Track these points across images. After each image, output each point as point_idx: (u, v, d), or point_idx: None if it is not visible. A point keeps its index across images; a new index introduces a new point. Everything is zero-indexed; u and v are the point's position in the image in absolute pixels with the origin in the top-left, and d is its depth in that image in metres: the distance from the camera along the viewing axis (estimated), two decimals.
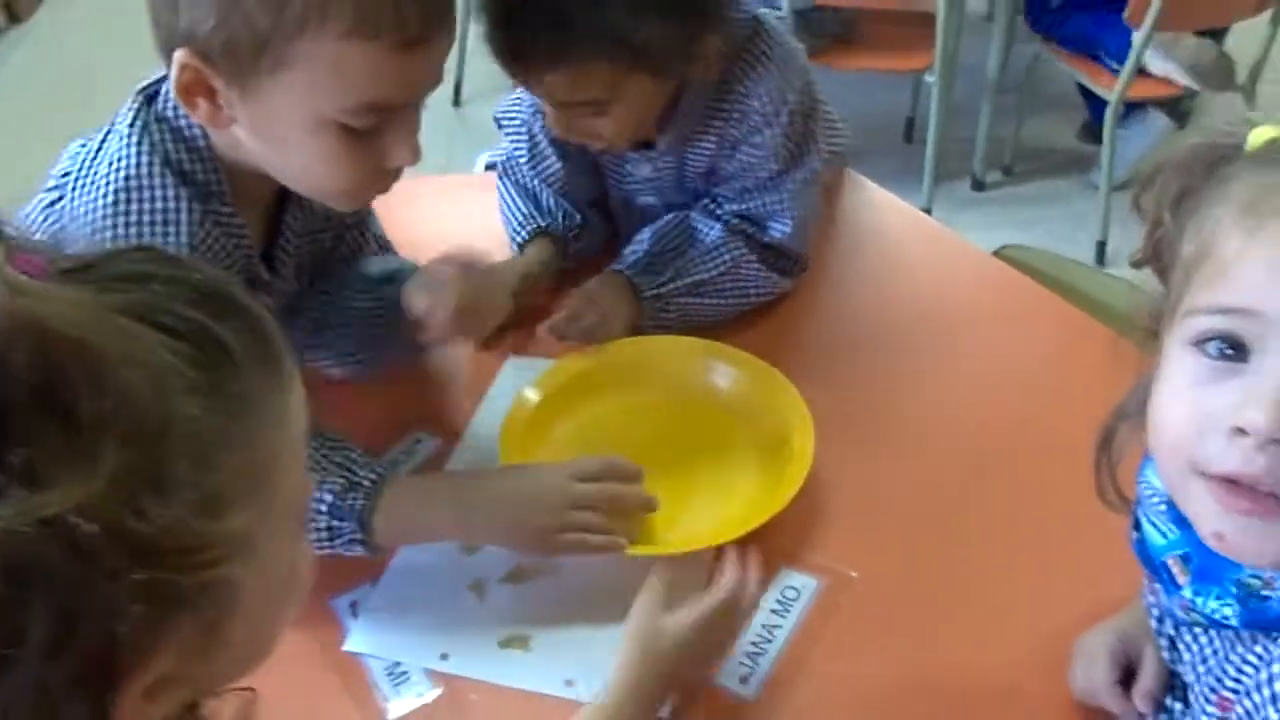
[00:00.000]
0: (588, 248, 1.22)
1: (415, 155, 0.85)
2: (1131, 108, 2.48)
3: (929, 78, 2.47)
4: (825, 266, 1.25)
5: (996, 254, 1.30)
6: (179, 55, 0.77)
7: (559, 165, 1.19)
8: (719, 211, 1.16)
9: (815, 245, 1.24)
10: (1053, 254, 1.32)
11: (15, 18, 3.52)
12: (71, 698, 0.40)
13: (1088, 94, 2.57)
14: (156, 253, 0.50)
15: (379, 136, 0.82)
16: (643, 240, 1.14)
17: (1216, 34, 2.50)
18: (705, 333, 1.12)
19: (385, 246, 1.10)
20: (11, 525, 0.38)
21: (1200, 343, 0.57)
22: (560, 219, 1.20)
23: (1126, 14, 2.22)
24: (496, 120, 1.23)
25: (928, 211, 2.61)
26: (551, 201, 1.21)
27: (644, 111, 1.07)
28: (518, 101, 1.19)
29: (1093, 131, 2.65)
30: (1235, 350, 0.56)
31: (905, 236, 1.34)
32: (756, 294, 1.16)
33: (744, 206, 1.15)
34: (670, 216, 1.16)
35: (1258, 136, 0.60)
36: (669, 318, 1.12)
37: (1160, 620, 0.73)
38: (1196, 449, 0.57)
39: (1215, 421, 0.56)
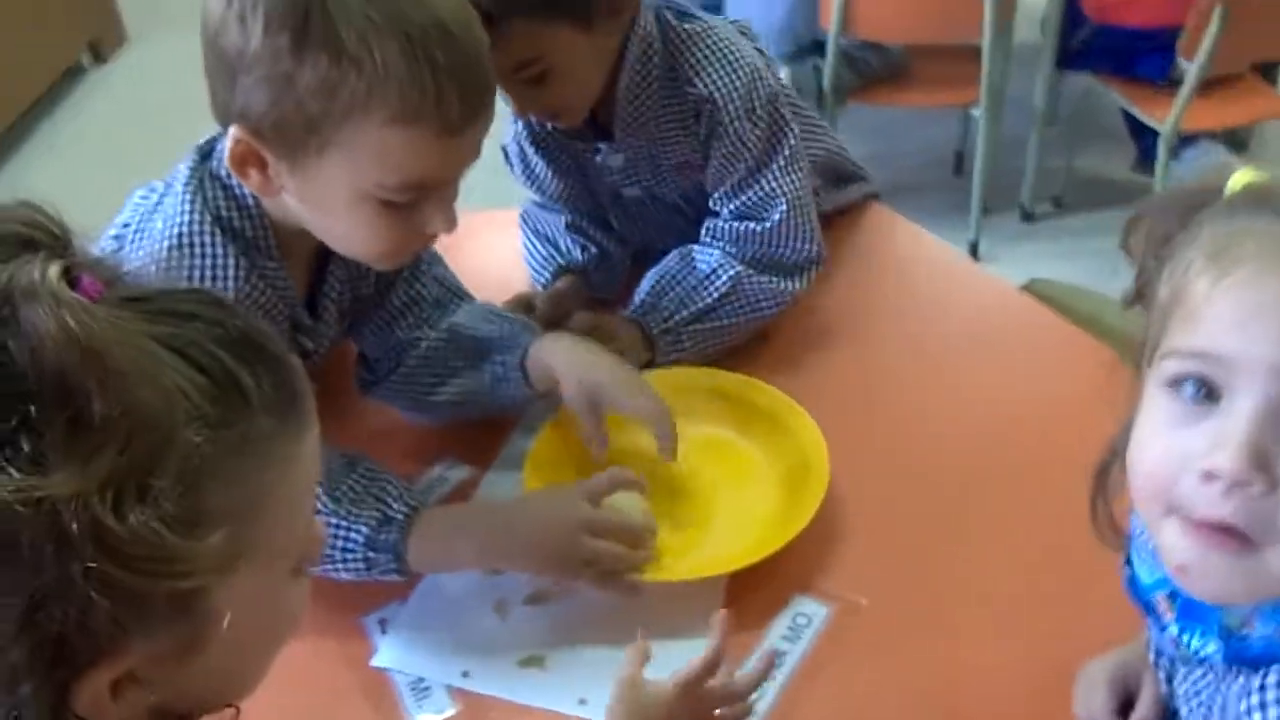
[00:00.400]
0: (607, 280, 1.27)
1: (451, 225, 0.90)
2: (1187, 139, 2.46)
3: (975, 112, 2.48)
4: (848, 297, 1.28)
5: (1025, 288, 1.32)
6: (233, 130, 0.83)
7: (548, 169, 1.24)
8: (717, 224, 1.18)
9: (838, 276, 1.27)
10: (1082, 289, 1.33)
11: (100, 57, 3.69)
12: (32, 669, 0.45)
13: (1135, 129, 2.56)
14: (208, 296, 0.54)
15: (418, 208, 0.87)
16: (646, 282, 1.18)
17: (1267, 68, 2.48)
18: (727, 360, 1.15)
19: (456, 292, 1.13)
20: (7, 500, 0.42)
21: (1174, 384, 0.58)
22: (578, 253, 1.26)
23: (1179, 45, 2.22)
24: (503, 150, 1.28)
25: (975, 244, 2.63)
26: (568, 241, 1.27)
27: (582, 72, 1.09)
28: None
29: (1146, 165, 2.64)
30: (1208, 393, 0.57)
31: (932, 270, 1.36)
32: (769, 306, 1.18)
33: (738, 203, 1.17)
34: (672, 254, 1.19)
35: (1235, 181, 0.61)
36: (685, 347, 1.15)
37: (1158, 654, 0.75)
38: (1172, 490, 0.58)
39: (1188, 463, 0.57)
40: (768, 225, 1.17)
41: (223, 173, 0.89)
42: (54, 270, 0.46)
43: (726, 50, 1.13)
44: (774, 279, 1.18)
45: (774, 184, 1.16)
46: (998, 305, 1.30)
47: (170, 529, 0.45)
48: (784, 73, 2.38)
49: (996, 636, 0.90)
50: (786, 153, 1.16)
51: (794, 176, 1.17)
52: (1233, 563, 0.56)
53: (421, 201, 0.87)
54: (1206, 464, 0.55)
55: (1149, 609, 0.69)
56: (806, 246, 1.19)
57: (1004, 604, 0.93)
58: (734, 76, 1.13)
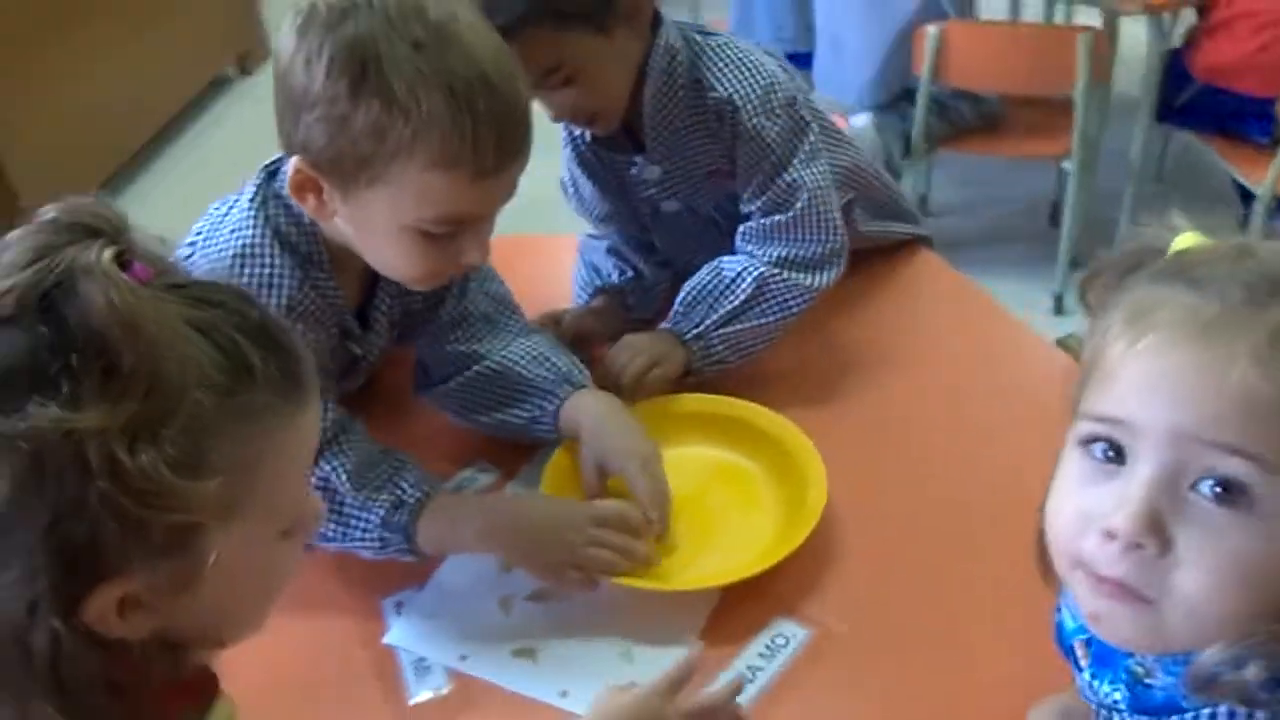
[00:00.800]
0: (642, 302, 1.35)
1: (484, 256, 0.99)
2: None
3: (1066, 164, 2.47)
4: (880, 335, 1.33)
5: (1059, 342, 1.34)
6: (294, 160, 0.93)
7: (594, 190, 1.33)
8: (748, 225, 1.25)
9: (875, 313, 1.33)
10: None
11: (246, 70, 3.96)
12: (51, 571, 0.54)
13: (1242, 190, 2.51)
14: (237, 291, 0.64)
15: (454, 239, 0.96)
16: (680, 294, 1.26)
17: None
18: (749, 387, 1.21)
19: (507, 307, 1.22)
20: (47, 429, 0.52)
21: (1087, 444, 0.61)
22: (616, 276, 1.35)
23: (1278, 107, 2.18)
24: (561, 183, 1.38)
25: (1059, 296, 2.61)
26: (609, 265, 1.36)
27: (607, 75, 1.17)
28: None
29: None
30: (1116, 454, 0.59)
31: (970, 318, 1.39)
32: (796, 304, 1.24)
33: (764, 199, 1.24)
34: (703, 269, 1.26)
35: (1175, 245, 0.63)
36: (720, 351, 1.22)
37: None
38: (1078, 545, 0.61)
39: (1093, 521, 0.59)
40: (791, 215, 1.23)
41: (285, 193, 0.99)
42: (108, 254, 0.56)
43: (744, 58, 1.21)
44: (799, 275, 1.23)
45: (795, 176, 1.22)
46: (1029, 358, 1.32)
47: (172, 470, 0.55)
48: (866, 118, 2.42)
49: (965, 676, 0.93)
50: (807, 148, 1.23)
51: (815, 169, 1.23)
52: (1135, 616, 0.59)
53: (458, 233, 0.96)
54: (1106, 524, 0.58)
55: (1069, 654, 0.72)
56: (830, 238, 1.25)
57: (978, 649, 0.95)
58: (751, 79, 1.20)
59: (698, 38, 1.22)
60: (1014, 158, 2.69)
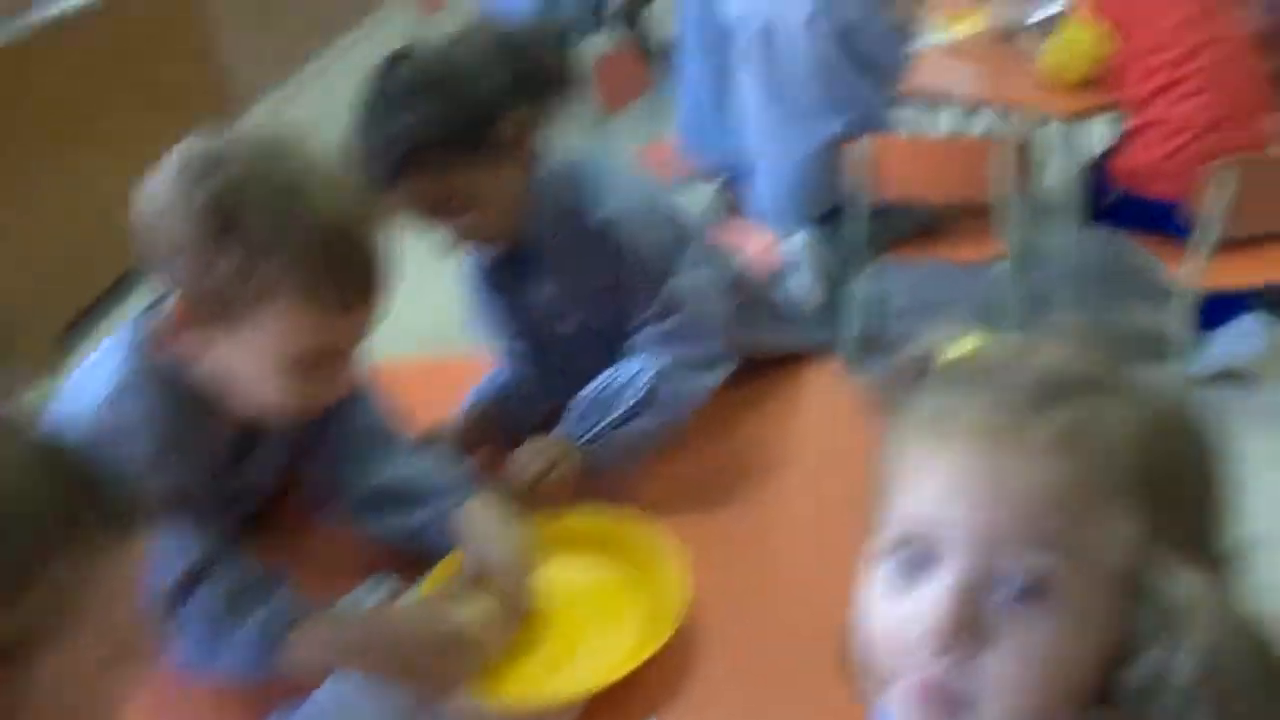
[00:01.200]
0: (525, 412, 1.39)
1: (345, 389, 1.07)
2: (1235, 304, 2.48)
3: (996, 269, 2.53)
4: (778, 448, 1.37)
5: None
6: (166, 303, 1.00)
7: (492, 313, 1.42)
8: (638, 336, 1.31)
9: (771, 426, 1.38)
10: None
11: None
12: None
13: None
14: (64, 435, 0.71)
15: (316, 372, 1.02)
16: (575, 400, 1.31)
17: None
18: (645, 493, 1.27)
19: (388, 431, 1.25)
20: None
21: (893, 550, 0.62)
22: (496, 389, 1.43)
23: (1190, 209, 2.25)
24: (469, 314, 1.47)
25: None
26: (497, 378, 1.44)
27: (496, 198, 1.26)
28: None
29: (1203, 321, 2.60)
30: (923, 559, 0.60)
31: (871, 429, 1.43)
32: (689, 403, 1.30)
33: (650, 310, 1.30)
34: (599, 376, 1.31)
35: (956, 348, 0.65)
36: (617, 451, 1.27)
37: None
38: (892, 653, 0.61)
39: (905, 627, 0.60)
40: (679, 320, 1.30)
41: (159, 332, 1.05)
42: None
43: (624, 179, 1.31)
44: (689, 376, 1.30)
45: (679, 284, 1.30)
46: None
47: None
48: (801, 236, 2.48)
49: None
50: (688, 257, 1.31)
51: (697, 277, 1.31)
52: None
53: (321, 366, 1.02)
54: (917, 628, 0.59)
55: None
56: (716, 340, 1.32)
57: None
58: (629, 198, 1.29)
59: (580, 163, 1.31)
60: (944, 262, 2.75)
